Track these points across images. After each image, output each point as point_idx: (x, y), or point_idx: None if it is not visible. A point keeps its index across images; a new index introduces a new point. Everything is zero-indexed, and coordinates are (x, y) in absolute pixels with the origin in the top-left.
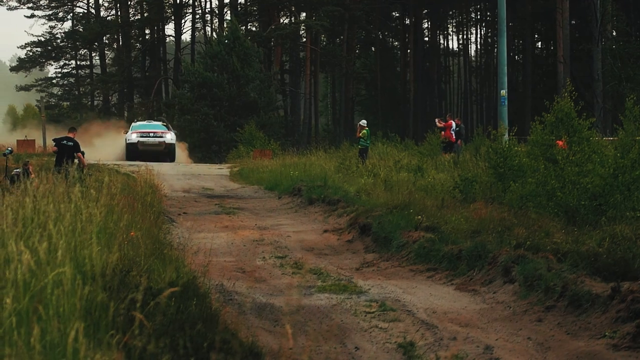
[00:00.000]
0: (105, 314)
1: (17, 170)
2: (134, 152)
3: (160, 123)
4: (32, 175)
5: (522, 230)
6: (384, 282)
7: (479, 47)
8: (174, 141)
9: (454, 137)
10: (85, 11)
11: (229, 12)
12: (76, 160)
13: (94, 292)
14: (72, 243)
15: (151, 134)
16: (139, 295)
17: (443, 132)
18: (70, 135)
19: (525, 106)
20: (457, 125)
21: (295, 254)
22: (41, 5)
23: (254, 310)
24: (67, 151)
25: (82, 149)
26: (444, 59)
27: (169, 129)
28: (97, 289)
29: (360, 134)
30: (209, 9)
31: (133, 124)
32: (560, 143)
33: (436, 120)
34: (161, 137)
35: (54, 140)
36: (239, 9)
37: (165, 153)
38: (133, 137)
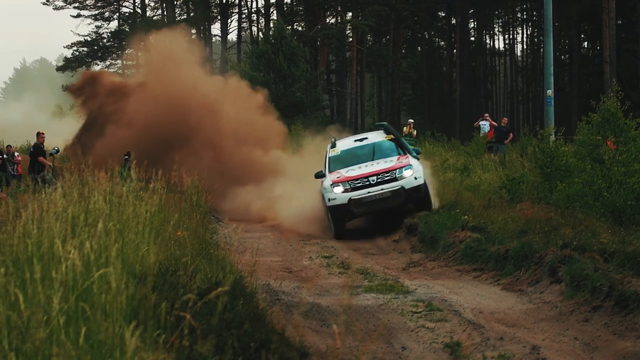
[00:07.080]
0: (152, 313)
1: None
2: (346, 215)
3: (384, 136)
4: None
5: (569, 231)
6: (431, 282)
7: (525, 46)
8: (422, 177)
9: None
10: (132, 11)
11: (275, 11)
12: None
13: (141, 292)
14: (120, 242)
15: (372, 179)
16: (192, 296)
17: (487, 133)
18: (37, 141)
19: (572, 106)
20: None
21: (341, 254)
22: (87, 5)
23: (300, 310)
24: (32, 158)
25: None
26: (490, 59)
27: (402, 147)
28: (144, 289)
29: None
30: (255, 9)
31: (332, 151)
32: (609, 143)
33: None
34: (393, 178)
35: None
36: (285, 8)
37: (410, 202)
38: (336, 191)
